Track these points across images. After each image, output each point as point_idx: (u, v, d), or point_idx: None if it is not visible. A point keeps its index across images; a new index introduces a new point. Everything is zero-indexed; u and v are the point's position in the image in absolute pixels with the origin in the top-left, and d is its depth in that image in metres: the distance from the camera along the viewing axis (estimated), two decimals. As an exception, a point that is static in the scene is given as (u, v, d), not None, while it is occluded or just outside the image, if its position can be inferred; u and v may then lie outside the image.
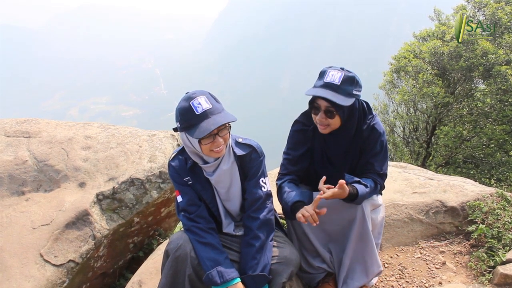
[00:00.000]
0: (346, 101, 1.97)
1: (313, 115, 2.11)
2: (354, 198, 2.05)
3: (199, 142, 1.82)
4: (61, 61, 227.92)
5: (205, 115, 1.78)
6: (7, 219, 2.77)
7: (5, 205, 2.87)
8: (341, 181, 1.92)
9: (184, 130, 1.84)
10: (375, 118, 2.19)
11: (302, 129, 2.26)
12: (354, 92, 2.00)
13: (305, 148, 2.25)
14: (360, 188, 2.06)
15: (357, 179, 2.12)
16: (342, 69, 2.02)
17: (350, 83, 1.99)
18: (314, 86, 2.03)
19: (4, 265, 2.50)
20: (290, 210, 2.10)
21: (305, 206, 1.98)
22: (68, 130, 3.43)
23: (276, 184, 2.29)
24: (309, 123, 2.23)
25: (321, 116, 2.05)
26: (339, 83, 1.96)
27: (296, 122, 2.31)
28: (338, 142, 2.18)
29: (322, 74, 2.04)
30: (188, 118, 1.79)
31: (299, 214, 1.97)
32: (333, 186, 1.95)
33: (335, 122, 2.06)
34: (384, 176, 2.23)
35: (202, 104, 1.79)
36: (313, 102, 2.07)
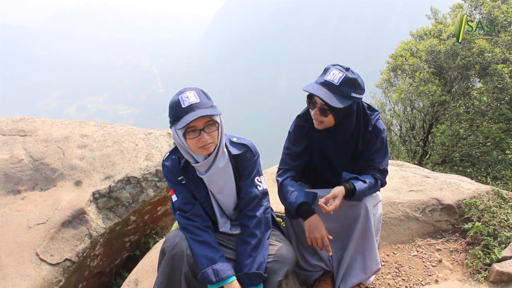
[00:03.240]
0: (339, 103, 1.94)
1: (310, 109, 2.12)
2: (352, 194, 2.06)
3: (184, 136, 1.83)
4: (58, 60, 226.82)
5: (191, 108, 1.77)
6: (2, 218, 2.75)
7: (0, 204, 2.85)
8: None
9: (172, 124, 1.85)
10: (377, 116, 2.21)
11: (303, 124, 2.27)
12: (353, 95, 1.97)
13: (305, 144, 2.26)
14: (358, 184, 2.07)
15: (355, 175, 2.13)
16: (348, 69, 1.99)
17: (350, 85, 1.96)
18: (315, 82, 2.03)
19: (0, 264, 2.49)
20: (295, 212, 2.11)
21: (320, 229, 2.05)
22: (64, 129, 3.41)
23: (277, 180, 2.28)
24: (308, 118, 2.23)
25: (316, 112, 2.06)
26: (337, 84, 1.94)
27: (297, 117, 2.31)
28: (334, 140, 2.18)
29: (325, 71, 2.03)
30: (175, 111, 1.81)
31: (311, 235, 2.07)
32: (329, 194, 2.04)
33: (329, 120, 2.06)
34: (384, 172, 2.23)
35: (189, 98, 1.79)
36: (311, 97, 2.07)
